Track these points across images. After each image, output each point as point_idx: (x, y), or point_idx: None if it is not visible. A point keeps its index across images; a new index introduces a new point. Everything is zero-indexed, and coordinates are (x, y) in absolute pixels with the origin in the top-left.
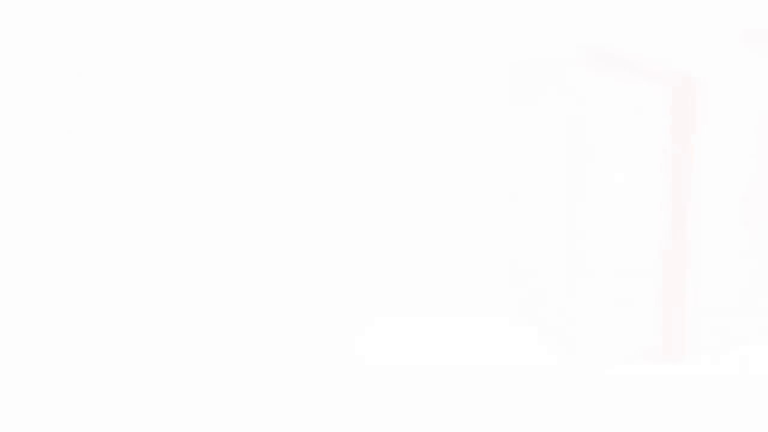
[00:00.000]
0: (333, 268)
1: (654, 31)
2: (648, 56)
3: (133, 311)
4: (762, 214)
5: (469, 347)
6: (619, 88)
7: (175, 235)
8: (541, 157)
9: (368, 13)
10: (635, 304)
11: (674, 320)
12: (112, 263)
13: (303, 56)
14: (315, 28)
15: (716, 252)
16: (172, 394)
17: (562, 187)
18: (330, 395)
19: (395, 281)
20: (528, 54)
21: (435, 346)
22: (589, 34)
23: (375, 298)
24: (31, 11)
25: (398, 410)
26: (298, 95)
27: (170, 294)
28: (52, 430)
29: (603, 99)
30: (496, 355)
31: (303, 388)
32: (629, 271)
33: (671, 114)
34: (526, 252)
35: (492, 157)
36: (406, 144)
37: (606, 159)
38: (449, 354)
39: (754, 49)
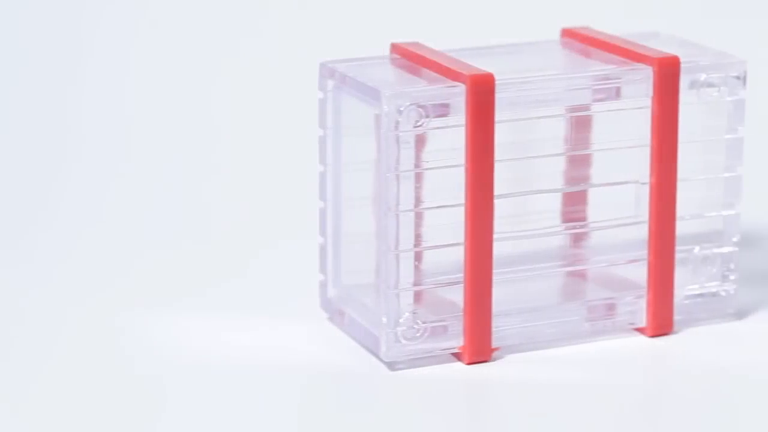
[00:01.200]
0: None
1: (454, 31)
2: (450, 57)
3: None
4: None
5: (275, 348)
6: (422, 87)
7: None
8: (351, 155)
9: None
10: (441, 305)
11: (478, 322)
12: None
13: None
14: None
15: (519, 254)
16: None
17: (370, 185)
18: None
19: (203, 280)
20: (335, 53)
21: (240, 346)
22: (396, 34)
23: (181, 297)
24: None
25: (194, 411)
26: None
27: None
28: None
29: (405, 98)
30: (301, 357)
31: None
32: (434, 272)
33: (471, 111)
34: (334, 252)
35: (303, 153)
36: (217, 139)
37: (409, 158)
38: (254, 354)
39: (569, 44)
